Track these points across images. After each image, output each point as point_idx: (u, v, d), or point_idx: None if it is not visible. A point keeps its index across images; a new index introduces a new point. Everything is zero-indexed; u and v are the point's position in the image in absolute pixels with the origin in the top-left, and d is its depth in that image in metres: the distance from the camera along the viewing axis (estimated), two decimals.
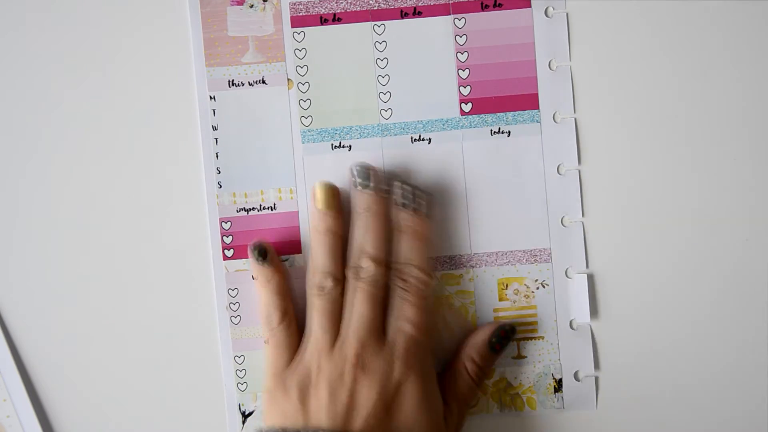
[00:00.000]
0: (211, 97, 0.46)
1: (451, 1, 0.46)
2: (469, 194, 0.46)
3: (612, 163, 0.46)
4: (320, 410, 0.41)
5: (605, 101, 0.46)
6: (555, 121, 0.46)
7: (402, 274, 0.43)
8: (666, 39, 0.46)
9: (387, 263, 0.43)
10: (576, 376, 0.47)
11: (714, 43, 0.46)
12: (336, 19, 0.46)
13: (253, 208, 0.47)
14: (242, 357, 0.47)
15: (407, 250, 0.43)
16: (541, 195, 0.46)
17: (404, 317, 0.42)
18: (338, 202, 0.44)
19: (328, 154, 0.46)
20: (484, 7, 0.46)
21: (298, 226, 0.47)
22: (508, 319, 0.46)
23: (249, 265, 0.46)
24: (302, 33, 0.46)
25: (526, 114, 0.46)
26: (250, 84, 0.46)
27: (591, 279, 0.46)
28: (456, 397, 0.44)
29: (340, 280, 0.43)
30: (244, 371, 0.47)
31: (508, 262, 0.46)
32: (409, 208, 0.44)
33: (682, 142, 0.46)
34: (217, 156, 0.46)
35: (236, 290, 0.47)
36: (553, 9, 0.46)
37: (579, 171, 0.46)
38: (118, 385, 0.47)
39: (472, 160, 0.46)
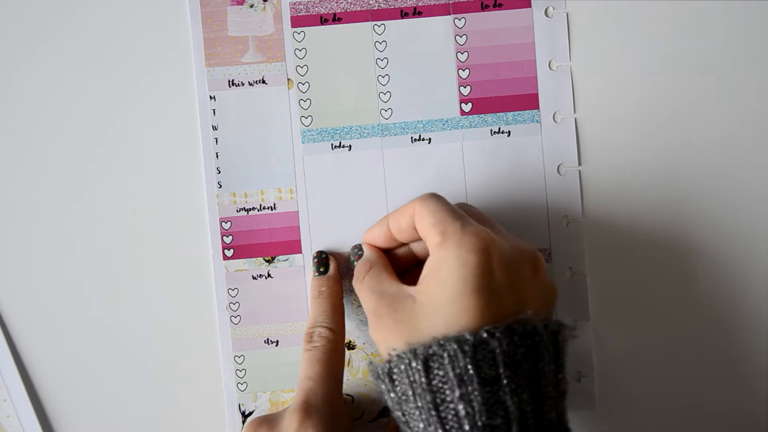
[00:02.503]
0: (211, 97, 0.46)
1: (451, 1, 0.46)
2: (468, 194, 0.46)
3: (612, 163, 0.46)
4: None
5: (605, 101, 0.46)
6: (555, 121, 0.46)
7: (309, 337, 0.43)
8: (666, 39, 0.46)
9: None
10: (576, 376, 0.47)
11: (714, 42, 0.46)
12: (336, 18, 0.46)
13: (253, 208, 0.47)
14: (242, 357, 0.47)
15: (317, 312, 0.44)
16: (542, 195, 0.46)
17: (306, 375, 0.42)
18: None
19: (328, 154, 0.46)
20: (484, 7, 0.46)
21: (298, 226, 0.47)
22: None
23: (247, 265, 0.46)
24: (302, 33, 0.46)
25: (526, 114, 0.46)
26: (250, 84, 0.46)
27: (590, 279, 0.46)
28: None
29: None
30: (243, 371, 0.47)
31: None
32: (320, 274, 0.45)
33: (682, 142, 0.46)
34: (217, 156, 0.46)
35: (236, 290, 0.47)
36: (553, 9, 0.46)
37: (579, 171, 0.46)
38: (118, 384, 0.47)
39: (472, 159, 0.46)
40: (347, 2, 0.46)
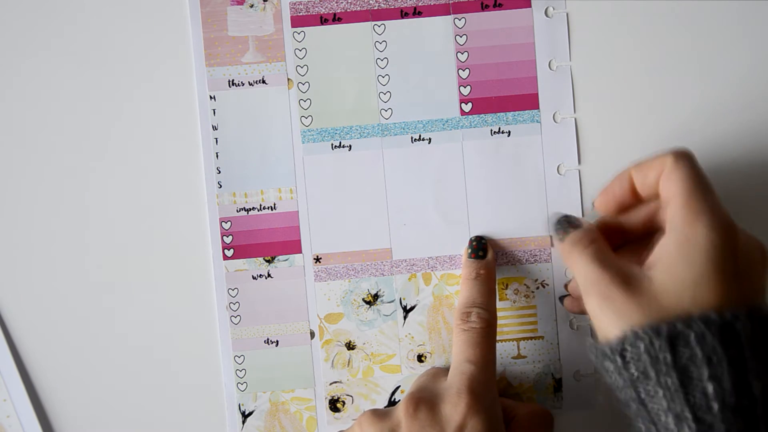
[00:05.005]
0: (211, 97, 0.46)
1: (451, 1, 0.46)
2: (468, 194, 0.46)
3: (612, 163, 0.46)
4: None
5: (605, 101, 0.46)
6: (555, 121, 0.46)
7: (466, 316, 0.43)
8: (665, 39, 0.46)
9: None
10: (576, 376, 0.47)
11: (714, 42, 0.46)
12: (336, 18, 0.46)
13: (253, 207, 0.47)
14: (242, 357, 0.47)
15: (474, 293, 0.44)
16: (541, 195, 0.46)
17: (465, 358, 0.42)
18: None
19: (328, 154, 0.46)
20: (484, 7, 0.46)
21: (298, 226, 0.47)
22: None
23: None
24: (302, 33, 0.46)
25: (526, 114, 0.46)
26: (250, 84, 0.46)
27: None
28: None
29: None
30: (244, 371, 0.47)
31: (508, 262, 0.46)
32: (478, 257, 0.45)
33: (682, 142, 0.46)
34: (217, 156, 0.46)
35: (236, 290, 0.47)
36: (553, 9, 0.46)
37: (579, 171, 0.46)
38: (118, 384, 0.47)
39: (472, 160, 0.46)
40: (347, 2, 0.46)
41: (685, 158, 0.38)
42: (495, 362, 0.42)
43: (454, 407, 0.39)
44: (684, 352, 0.34)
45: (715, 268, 0.35)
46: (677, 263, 0.35)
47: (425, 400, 0.40)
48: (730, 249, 0.35)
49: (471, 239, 0.46)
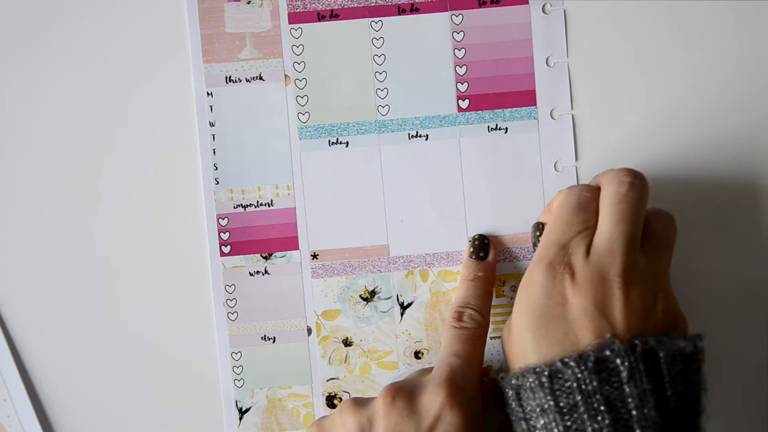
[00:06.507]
0: (208, 93, 0.46)
1: None
2: (466, 191, 0.46)
3: (609, 160, 0.46)
4: None
5: (602, 98, 0.46)
6: (552, 117, 0.46)
7: (459, 315, 0.43)
8: (663, 35, 0.46)
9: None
10: None
11: (712, 39, 0.46)
12: (333, 15, 0.46)
13: (251, 204, 0.47)
14: (239, 353, 0.47)
15: (470, 295, 0.44)
16: (539, 192, 0.46)
17: (452, 351, 0.42)
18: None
19: (325, 151, 0.46)
20: (482, 4, 0.46)
21: (295, 223, 0.47)
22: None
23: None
24: (299, 29, 0.46)
25: (524, 111, 0.46)
26: (247, 80, 0.46)
27: None
28: None
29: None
30: (241, 368, 0.47)
31: (505, 258, 0.46)
32: (478, 258, 0.45)
33: (680, 138, 0.46)
34: (214, 152, 0.46)
35: (233, 286, 0.47)
36: (551, 5, 0.46)
37: (576, 168, 0.46)
38: (117, 381, 0.47)
39: (469, 156, 0.46)
40: None
41: (558, 209, 0.41)
42: (482, 361, 0.43)
43: (433, 398, 0.39)
44: (529, 404, 0.36)
45: (538, 317, 0.38)
46: (514, 311, 0.39)
47: (405, 390, 0.40)
48: (549, 293, 0.38)
49: (473, 238, 0.46)
